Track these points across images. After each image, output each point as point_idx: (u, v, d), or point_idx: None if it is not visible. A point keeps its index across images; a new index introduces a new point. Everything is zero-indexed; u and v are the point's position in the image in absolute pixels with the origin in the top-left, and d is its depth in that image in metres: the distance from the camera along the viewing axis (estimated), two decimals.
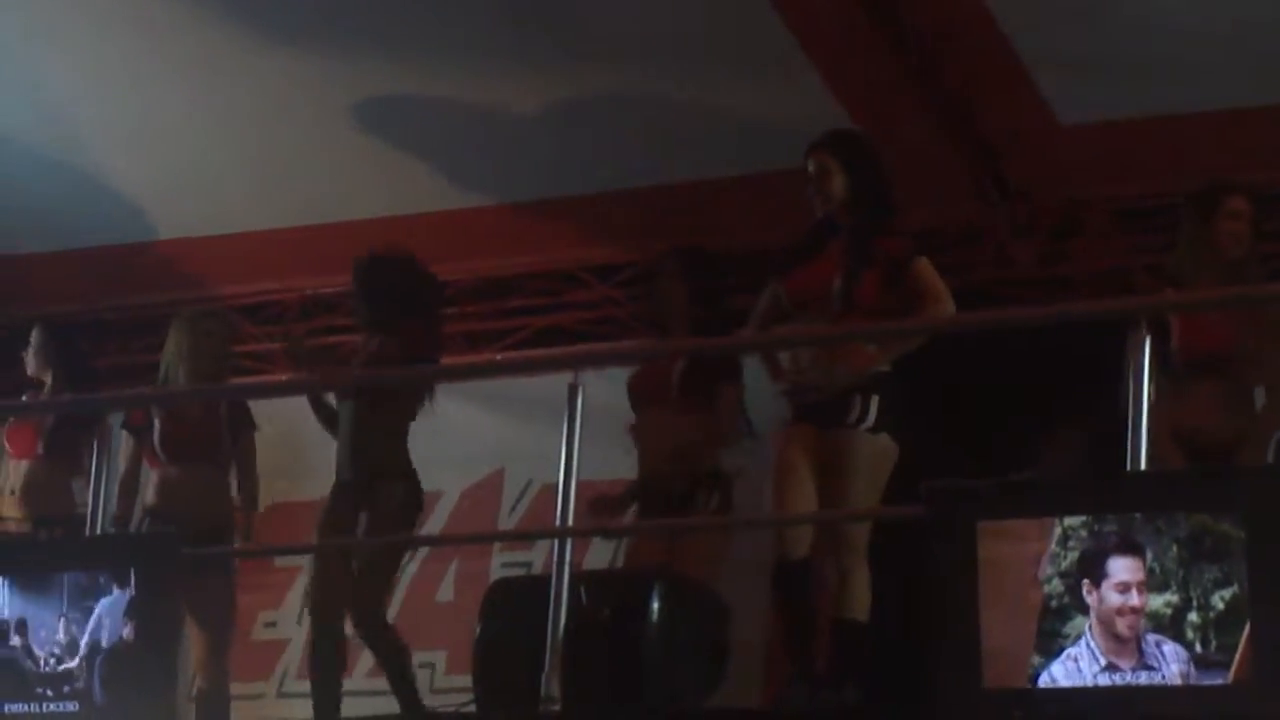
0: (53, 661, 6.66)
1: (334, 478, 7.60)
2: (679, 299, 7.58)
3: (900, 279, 6.80)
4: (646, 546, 7.41)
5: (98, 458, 7.24)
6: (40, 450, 8.33)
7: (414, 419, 7.64)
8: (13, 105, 9.13)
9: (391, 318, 7.65)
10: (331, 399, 7.71)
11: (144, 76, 8.90)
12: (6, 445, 8.43)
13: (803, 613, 6.78)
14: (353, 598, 7.40)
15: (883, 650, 6.71)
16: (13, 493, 8.34)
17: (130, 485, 7.91)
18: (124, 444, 7.99)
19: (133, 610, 6.51)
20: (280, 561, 8.99)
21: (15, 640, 6.71)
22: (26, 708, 6.65)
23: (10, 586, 6.74)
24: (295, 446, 8.64)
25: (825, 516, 6.79)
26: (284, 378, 8.13)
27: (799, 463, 6.78)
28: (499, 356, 9.17)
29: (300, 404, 7.86)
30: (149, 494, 7.88)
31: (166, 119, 9.02)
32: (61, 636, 6.65)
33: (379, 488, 7.46)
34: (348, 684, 7.61)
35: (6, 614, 6.73)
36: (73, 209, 9.46)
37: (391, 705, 7.45)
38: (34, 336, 8.52)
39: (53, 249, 9.66)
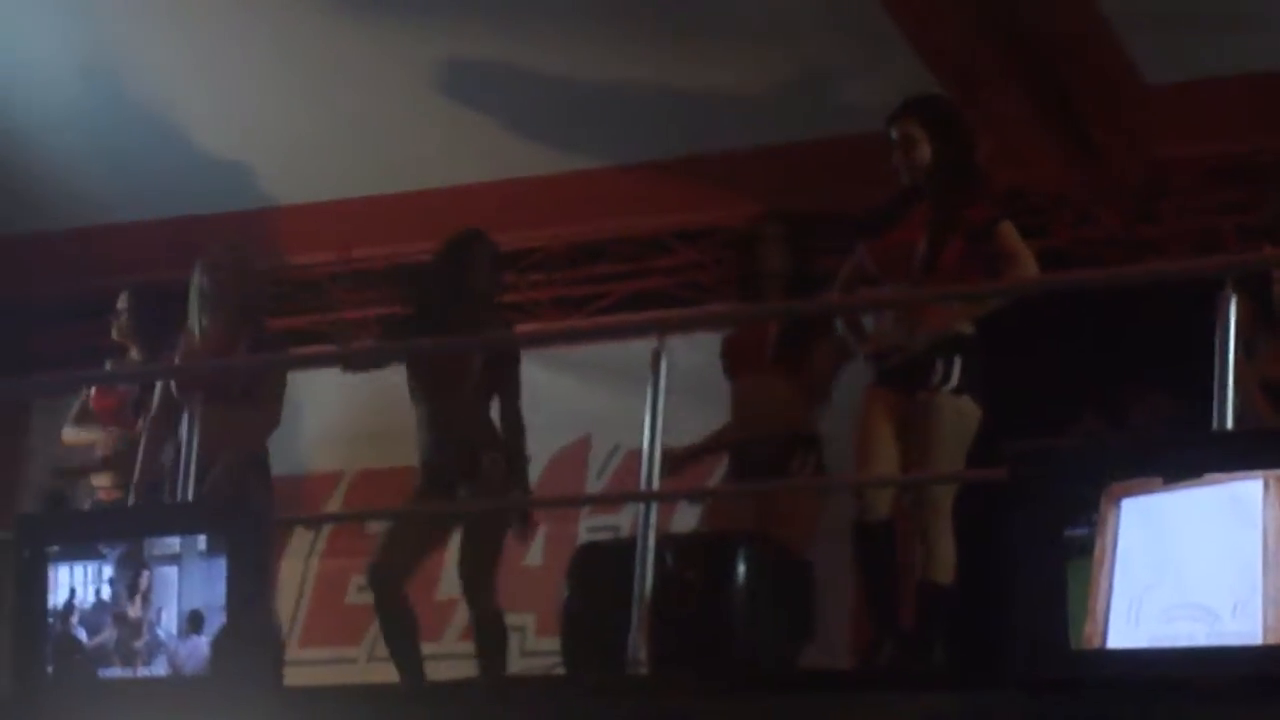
0: (149, 628, 6.74)
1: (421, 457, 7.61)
2: (778, 263, 7.57)
3: (984, 243, 6.80)
4: (735, 510, 7.42)
5: (187, 424, 7.29)
6: (133, 422, 8.36)
7: (489, 403, 7.62)
8: (109, 76, 9.22)
9: (464, 300, 7.64)
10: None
11: (236, 46, 8.97)
12: (94, 411, 8.46)
13: (885, 574, 6.80)
14: (464, 567, 7.43)
15: (968, 612, 6.71)
16: (104, 461, 8.39)
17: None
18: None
19: (228, 575, 6.59)
20: (371, 527, 9.07)
21: (111, 607, 6.79)
22: (124, 673, 6.74)
23: (104, 554, 6.82)
24: (383, 414, 8.69)
25: (910, 479, 6.80)
26: (371, 344, 8.12)
27: (881, 426, 6.79)
28: (585, 322, 9.20)
29: (388, 369, 7.89)
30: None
31: (260, 87, 9.09)
32: (156, 603, 6.73)
33: (478, 459, 7.48)
34: (437, 648, 7.65)
35: (99, 582, 6.82)
36: (159, 177, 9.55)
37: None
38: (121, 303, 8.56)
39: (143, 217, 9.74)
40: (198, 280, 7.93)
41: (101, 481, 8.36)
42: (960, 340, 6.81)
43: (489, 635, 7.47)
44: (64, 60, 9.15)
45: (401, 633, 7.50)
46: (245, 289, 7.93)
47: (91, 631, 6.80)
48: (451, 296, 7.62)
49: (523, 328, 8.86)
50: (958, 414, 6.78)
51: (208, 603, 6.65)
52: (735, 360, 7.63)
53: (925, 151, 6.92)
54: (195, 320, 7.92)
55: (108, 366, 8.60)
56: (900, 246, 6.87)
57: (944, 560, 6.71)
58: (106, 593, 6.81)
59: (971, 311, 6.80)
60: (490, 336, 7.60)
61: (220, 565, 6.62)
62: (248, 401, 7.66)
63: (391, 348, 7.83)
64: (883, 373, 6.88)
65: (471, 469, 7.46)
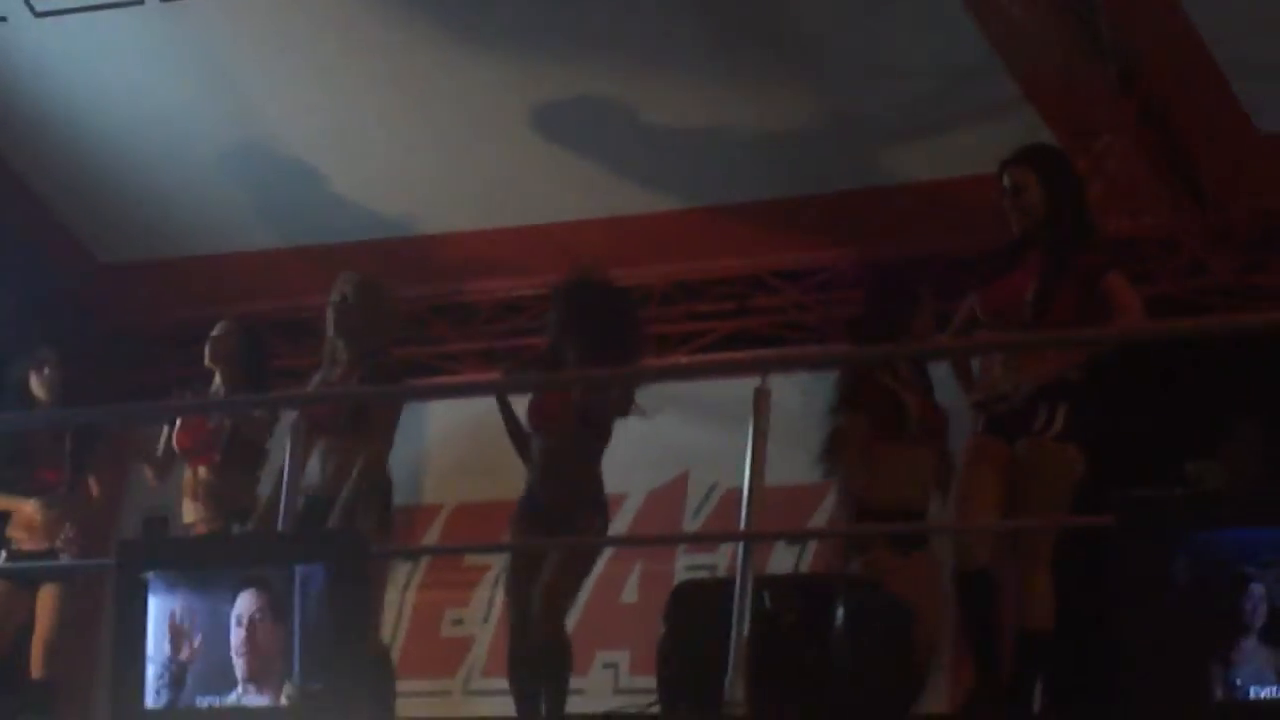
0: (244, 657, 6.76)
1: (524, 488, 7.61)
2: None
3: (1093, 291, 6.76)
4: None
5: (290, 454, 7.29)
6: (218, 457, 8.35)
7: (606, 445, 7.61)
8: (215, 111, 9.30)
9: (592, 345, 7.62)
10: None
11: (339, 82, 9.04)
12: (176, 448, 8.46)
13: (985, 621, 6.76)
14: (542, 598, 7.43)
15: (1067, 659, 6.66)
16: (194, 497, 8.39)
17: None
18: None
19: (329, 604, 6.60)
20: (469, 560, 9.08)
21: (209, 635, 6.82)
22: (221, 701, 6.75)
23: (199, 583, 6.85)
24: (481, 446, 8.70)
25: (1014, 525, 6.76)
26: (472, 379, 8.12)
27: (985, 475, 6.78)
28: (685, 360, 9.19)
29: (486, 404, 7.89)
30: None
31: (375, 122, 9.15)
32: (253, 632, 6.75)
33: (572, 517, 7.48)
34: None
35: (199, 610, 6.84)
36: (262, 210, 9.62)
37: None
38: (216, 330, 8.55)
39: (255, 248, 9.81)
40: (330, 310, 7.94)
41: (191, 515, 8.38)
42: (1066, 387, 6.77)
43: (556, 659, 7.43)
44: (189, 92, 9.26)
45: (534, 668, 7.47)
46: (374, 321, 7.91)
47: (190, 659, 6.84)
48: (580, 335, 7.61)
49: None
50: (1061, 461, 6.75)
51: (304, 632, 6.68)
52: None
53: (1036, 198, 6.89)
54: (328, 350, 7.94)
55: (188, 396, 8.61)
56: (1011, 293, 6.84)
57: (1043, 606, 6.67)
58: (206, 620, 6.84)
59: (1078, 359, 6.76)
60: (589, 374, 7.59)
61: (316, 594, 6.64)
62: (359, 432, 7.67)
63: (486, 383, 7.82)
64: (990, 420, 6.85)
65: (565, 526, 7.44)
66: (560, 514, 7.45)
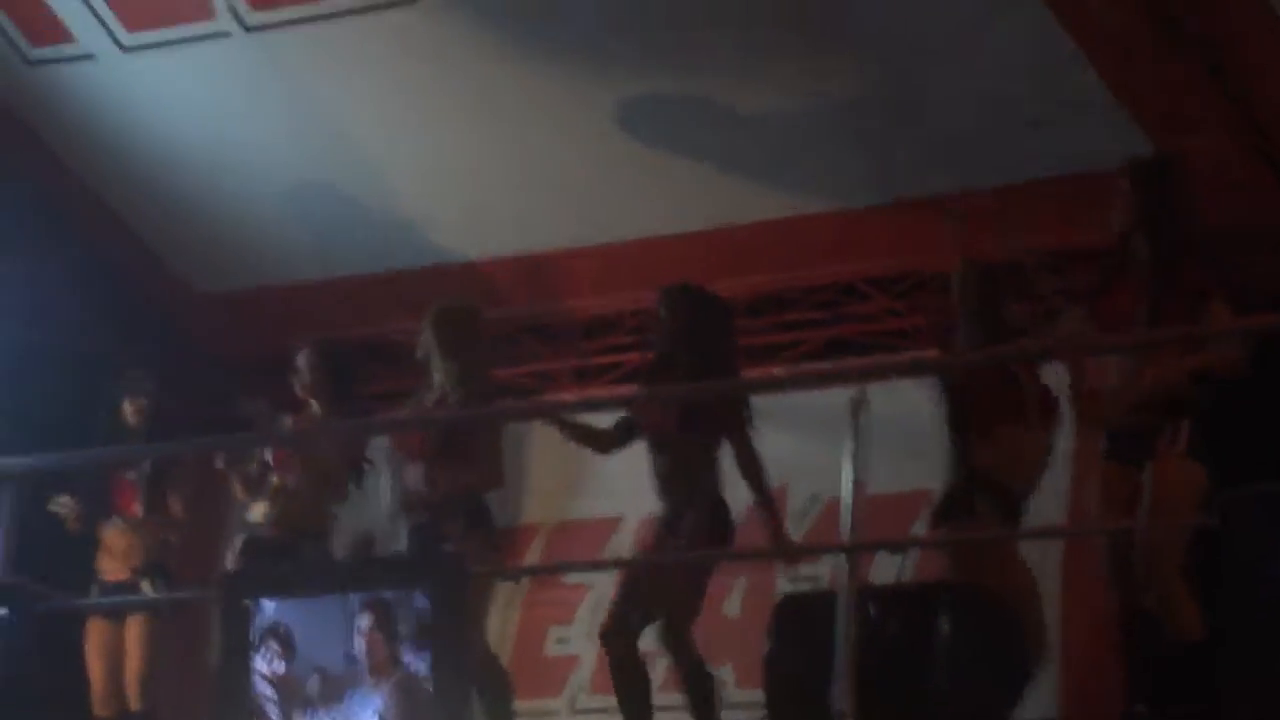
0: (336, 677, 6.82)
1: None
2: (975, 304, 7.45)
3: (1200, 312, 6.74)
4: (967, 562, 7.29)
5: (389, 478, 7.34)
6: (300, 471, 8.40)
7: (717, 455, 7.61)
8: (302, 140, 9.35)
9: (696, 352, 7.64)
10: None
11: (425, 107, 9.08)
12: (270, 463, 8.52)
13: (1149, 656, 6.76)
14: (665, 617, 7.44)
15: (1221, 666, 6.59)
16: (270, 502, 8.41)
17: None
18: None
19: (432, 626, 6.64)
20: (571, 579, 9.07)
21: (295, 655, 6.87)
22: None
23: (287, 602, 6.92)
24: (580, 465, 8.70)
25: (1114, 529, 6.73)
26: (572, 398, 8.12)
27: (1110, 504, 6.80)
28: (780, 372, 9.16)
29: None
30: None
31: (450, 147, 9.18)
32: (345, 652, 6.80)
33: (686, 518, 7.50)
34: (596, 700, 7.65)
35: (300, 632, 6.90)
36: (352, 237, 9.66)
37: None
38: (300, 360, 8.57)
39: (332, 276, 9.85)
40: (422, 336, 7.97)
41: (259, 516, 8.40)
42: (1187, 403, 6.78)
43: (699, 683, 7.45)
44: (275, 121, 9.32)
45: (634, 692, 7.49)
46: (467, 345, 7.91)
47: (291, 680, 6.89)
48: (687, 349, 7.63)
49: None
50: (1185, 478, 6.76)
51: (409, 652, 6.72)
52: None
53: (1139, 210, 6.88)
54: (428, 375, 7.96)
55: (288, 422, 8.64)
56: (1117, 308, 6.83)
57: (1189, 619, 6.66)
58: (310, 642, 6.89)
59: (1192, 367, 6.75)
60: (687, 387, 7.59)
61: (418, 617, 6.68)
62: (460, 457, 7.69)
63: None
64: (1112, 442, 6.85)
65: (679, 528, 7.46)
66: (681, 524, 7.49)
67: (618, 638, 7.52)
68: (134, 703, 8.58)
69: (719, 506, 7.56)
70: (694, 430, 7.50)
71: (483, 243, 9.51)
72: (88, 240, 9.99)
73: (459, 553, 7.36)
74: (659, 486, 7.58)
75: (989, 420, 7.20)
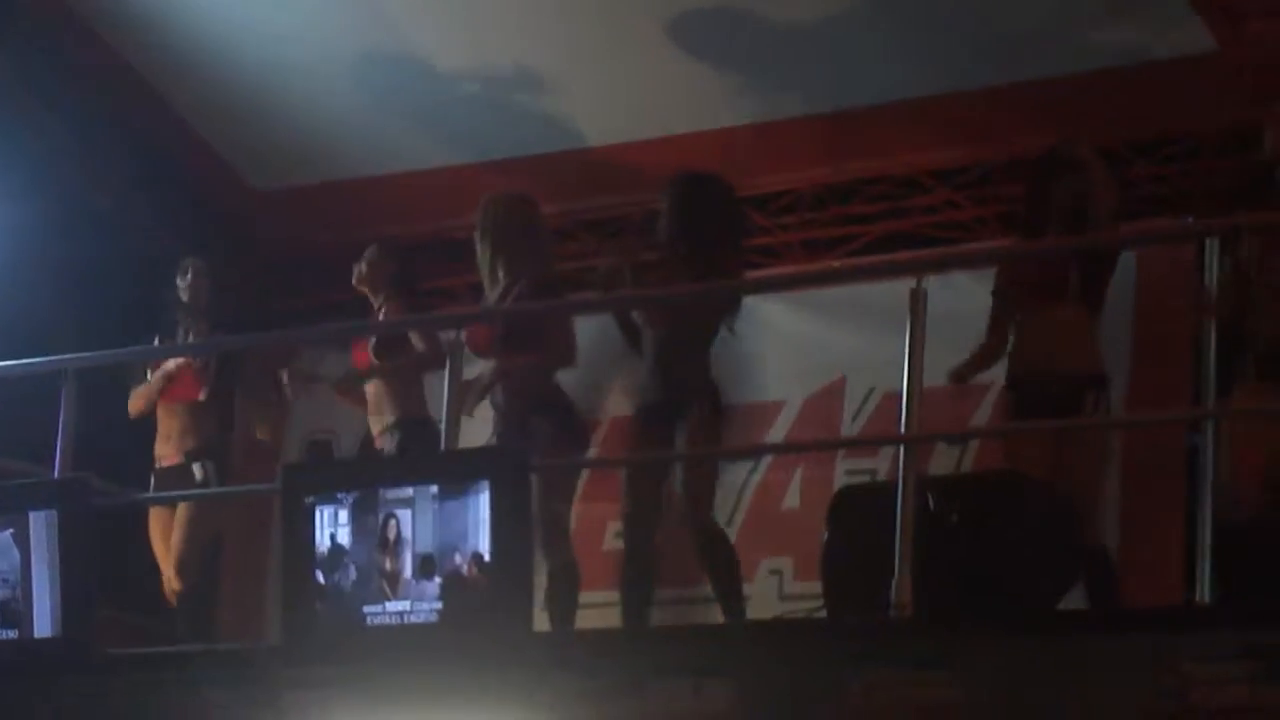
0: (393, 571, 6.87)
1: (638, 399, 7.66)
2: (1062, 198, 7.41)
3: None
4: (1028, 450, 7.28)
5: (449, 371, 7.37)
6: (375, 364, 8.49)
7: (714, 338, 7.63)
8: (357, 27, 9.34)
9: (701, 239, 7.64)
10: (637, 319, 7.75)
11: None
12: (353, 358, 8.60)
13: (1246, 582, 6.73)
14: (684, 507, 7.46)
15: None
16: (373, 410, 8.51)
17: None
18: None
19: (492, 519, 6.68)
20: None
21: (371, 551, 6.92)
22: (383, 611, 6.87)
23: (348, 501, 6.97)
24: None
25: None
26: (606, 295, 8.11)
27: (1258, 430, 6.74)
28: (839, 264, 9.14)
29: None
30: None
31: (504, 35, 9.16)
32: (415, 545, 6.85)
33: (688, 405, 7.50)
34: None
35: (359, 528, 6.95)
36: (410, 129, 9.65)
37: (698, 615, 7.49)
38: (368, 254, 8.63)
39: (391, 170, 9.84)
40: (477, 231, 7.98)
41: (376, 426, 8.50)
42: None
43: (717, 553, 7.48)
44: (331, 9, 9.31)
45: (646, 578, 7.55)
46: (525, 237, 7.91)
47: (351, 574, 6.96)
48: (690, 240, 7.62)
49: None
50: None
51: (439, 548, 6.77)
52: (1024, 294, 7.47)
53: None
54: (484, 269, 7.95)
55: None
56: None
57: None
58: (369, 537, 6.94)
59: None
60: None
61: (451, 510, 6.73)
62: (520, 351, 7.72)
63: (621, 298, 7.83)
64: (1263, 364, 6.80)
65: (683, 416, 7.49)
66: (673, 406, 7.49)
67: (640, 526, 7.53)
68: (173, 582, 8.70)
69: (710, 386, 7.57)
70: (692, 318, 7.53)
71: (541, 136, 9.47)
72: (149, 140, 9.98)
73: (523, 446, 7.37)
74: (652, 364, 7.58)
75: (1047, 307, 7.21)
